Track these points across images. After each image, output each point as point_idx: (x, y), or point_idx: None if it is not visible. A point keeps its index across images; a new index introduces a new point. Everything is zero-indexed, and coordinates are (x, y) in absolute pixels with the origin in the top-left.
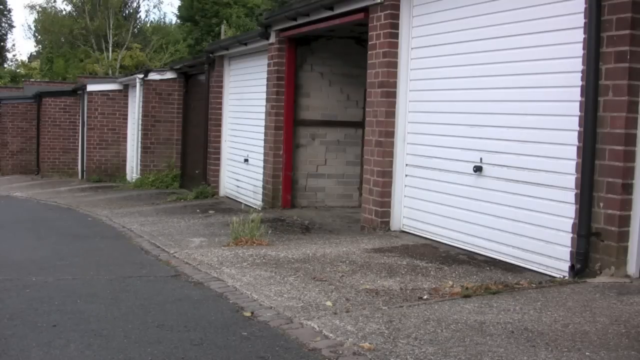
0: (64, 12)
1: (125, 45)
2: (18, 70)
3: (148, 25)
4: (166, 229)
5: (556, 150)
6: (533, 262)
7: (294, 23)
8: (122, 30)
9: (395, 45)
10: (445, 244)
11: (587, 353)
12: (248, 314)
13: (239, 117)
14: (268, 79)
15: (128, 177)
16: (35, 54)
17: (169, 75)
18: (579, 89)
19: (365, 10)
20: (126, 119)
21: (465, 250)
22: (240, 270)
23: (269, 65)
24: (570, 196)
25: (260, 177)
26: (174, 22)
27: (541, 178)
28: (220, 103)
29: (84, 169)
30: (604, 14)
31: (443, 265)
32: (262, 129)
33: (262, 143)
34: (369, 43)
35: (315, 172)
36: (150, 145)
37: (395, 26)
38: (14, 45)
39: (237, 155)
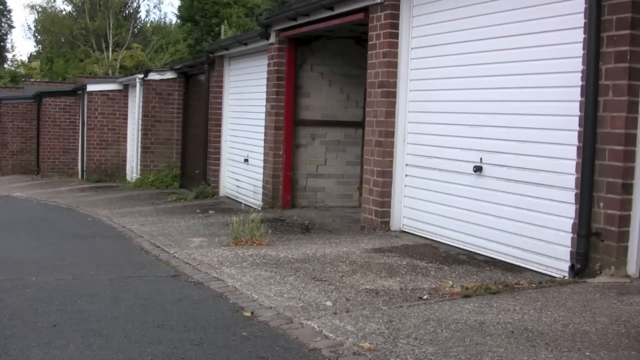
0: (64, 12)
1: (126, 45)
2: (18, 70)
3: (148, 25)
4: (166, 229)
5: (556, 150)
6: (533, 262)
7: (294, 23)
8: (122, 30)
9: (395, 45)
10: (445, 244)
11: (587, 353)
12: (248, 314)
13: (239, 117)
14: (268, 79)
15: (128, 177)
16: (35, 54)
17: (169, 75)
18: (579, 89)
19: (365, 10)
20: (126, 119)
21: (465, 250)
22: (240, 270)
23: (269, 65)
24: (570, 196)
25: (260, 177)
26: (174, 22)
27: (541, 178)
28: (220, 103)
29: (84, 169)
30: (604, 14)
31: (443, 265)
32: (262, 129)
33: (262, 143)
34: (369, 43)
35: (315, 172)
36: (150, 145)
37: (395, 26)
38: (12, 46)
39: (237, 155)
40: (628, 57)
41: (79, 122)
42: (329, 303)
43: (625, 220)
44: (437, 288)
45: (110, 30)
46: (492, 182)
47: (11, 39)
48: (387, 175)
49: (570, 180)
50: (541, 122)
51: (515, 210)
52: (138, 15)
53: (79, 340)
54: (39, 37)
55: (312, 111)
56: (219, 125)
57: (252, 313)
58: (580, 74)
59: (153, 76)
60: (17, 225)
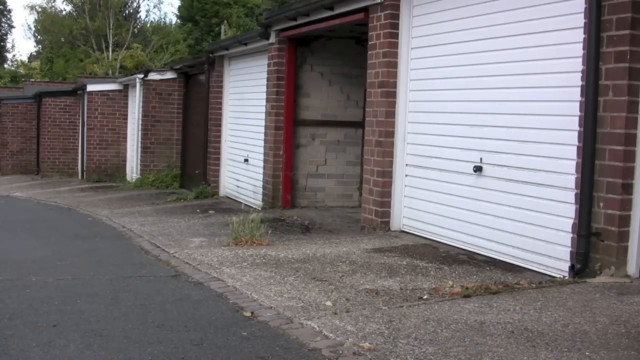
0: (64, 12)
1: (126, 45)
2: (18, 70)
3: (148, 25)
4: (166, 229)
5: (556, 150)
6: (533, 262)
7: (294, 23)
8: (122, 30)
9: (395, 45)
10: (445, 244)
11: (587, 353)
12: (248, 314)
13: (239, 117)
14: (268, 79)
15: (128, 177)
16: (35, 54)
17: (169, 75)
18: (579, 89)
19: (365, 10)
20: (126, 119)
21: (465, 250)
22: (240, 270)
23: (269, 65)
24: (570, 196)
25: (260, 177)
26: (174, 22)
27: (541, 178)
28: (220, 103)
29: (84, 169)
30: (604, 14)
31: (443, 265)
32: (262, 129)
33: (262, 143)
34: (369, 43)
35: (315, 172)
36: (150, 145)
37: (395, 26)
38: (13, 45)
39: (237, 155)
40: (628, 57)
41: (79, 122)
42: (329, 303)
43: (625, 220)
44: (437, 288)
45: (110, 30)
46: (492, 182)
47: (12, 39)
48: (387, 175)
49: (570, 180)
50: (541, 122)
51: (515, 210)
52: (138, 15)
53: (79, 340)
54: (39, 37)
55: (312, 111)
56: (219, 125)
57: (252, 313)
58: (580, 74)
59: (153, 76)
60: (17, 225)
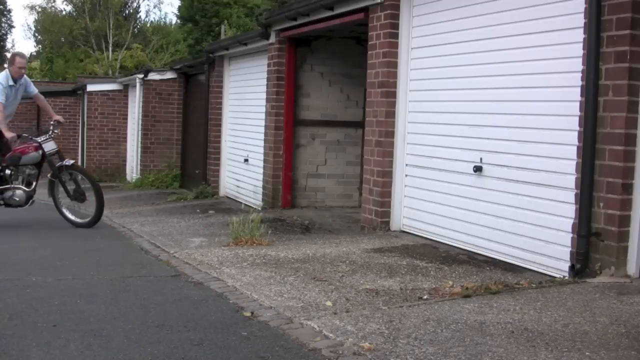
0: (63, 12)
1: (126, 45)
2: None
3: (148, 25)
4: (166, 229)
5: (556, 150)
6: (533, 262)
7: (294, 23)
8: (122, 31)
9: (395, 45)
10: (445, 244)
11: (587, 353)
12: (248, 314)
13: (239, 117)
14: (268, 79)
15: (128, 177)
16: (35, 54)
17: (169, 75)
18: (579, 89)
19: (365, 10)
20: (126, 119)
21: (465, 250)
22: (240, 270)
23: (269, 65)
24: (570, 196)
25: (260, 177)
26: (174, 22)
27: (541, 178)
28: (220, 103)
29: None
30: (604, 14)
31: (443, 265)
32: (262, 129)
33: (262, 143)
34: (369, 43)
35: (315, 172)
36: (150, 145)
37: (395, 26)
38: (13, 45)
39: (237, 155)
40: (628, 57)
41: (79, 122)
42: (329, 303)
43: (625, 220)
44: (437, 288)
45: (110, 31)
46: (492, 182)
47: (12, 39)
48: (387, 175)
49: (570, 180)
50: (541, 122)
51: (515, 210)
52: (138, 15)
53: (79, 340)
54: (39, 37)
55: (312, 111)
56: (219, 125)
57: (252, 313)
58: (580, 74)
59: (153, 76)
60: (17, 225)
